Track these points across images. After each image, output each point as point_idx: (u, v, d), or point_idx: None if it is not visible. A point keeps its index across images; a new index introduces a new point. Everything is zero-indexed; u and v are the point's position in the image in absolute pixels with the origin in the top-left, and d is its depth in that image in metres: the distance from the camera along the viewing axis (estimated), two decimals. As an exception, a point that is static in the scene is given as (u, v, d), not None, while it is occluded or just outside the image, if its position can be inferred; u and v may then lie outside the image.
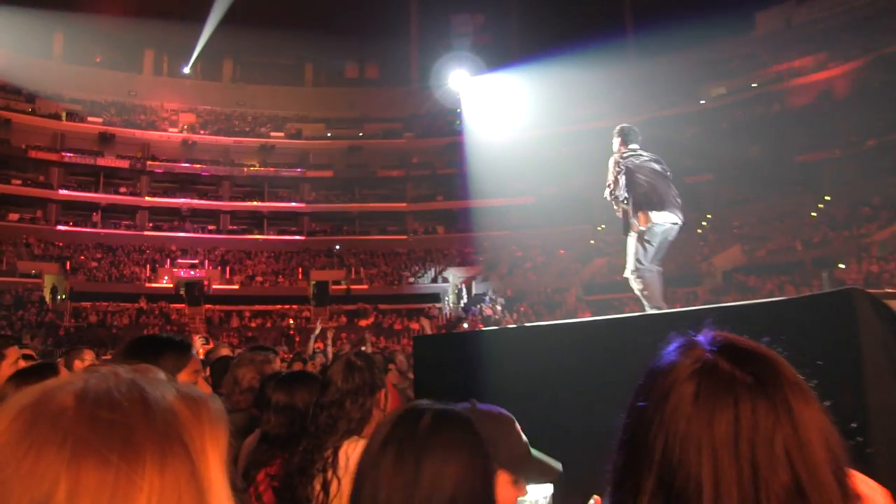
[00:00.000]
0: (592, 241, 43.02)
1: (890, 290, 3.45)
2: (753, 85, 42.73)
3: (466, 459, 1.43)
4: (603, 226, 43.39)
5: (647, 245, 6.46)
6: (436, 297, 41.13)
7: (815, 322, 3.10)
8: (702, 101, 43.84)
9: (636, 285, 6.55)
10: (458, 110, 47.44)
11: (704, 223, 38.34)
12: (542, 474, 2.00)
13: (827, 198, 37.69)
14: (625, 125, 6.99)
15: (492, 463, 1.49)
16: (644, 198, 6.48)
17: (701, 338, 1.20)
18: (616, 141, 6.95)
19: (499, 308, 36.96)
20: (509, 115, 44.45)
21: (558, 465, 2.03)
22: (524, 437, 2.00)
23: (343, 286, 42.19)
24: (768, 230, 37.10)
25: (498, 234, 45.08)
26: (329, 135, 50.04)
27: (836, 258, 30.67)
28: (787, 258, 33.16)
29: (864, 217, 34.06)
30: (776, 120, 40.66)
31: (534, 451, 2.00)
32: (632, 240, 6.62)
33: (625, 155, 6.74)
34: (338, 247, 46.46)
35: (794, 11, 42.94)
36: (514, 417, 2.01)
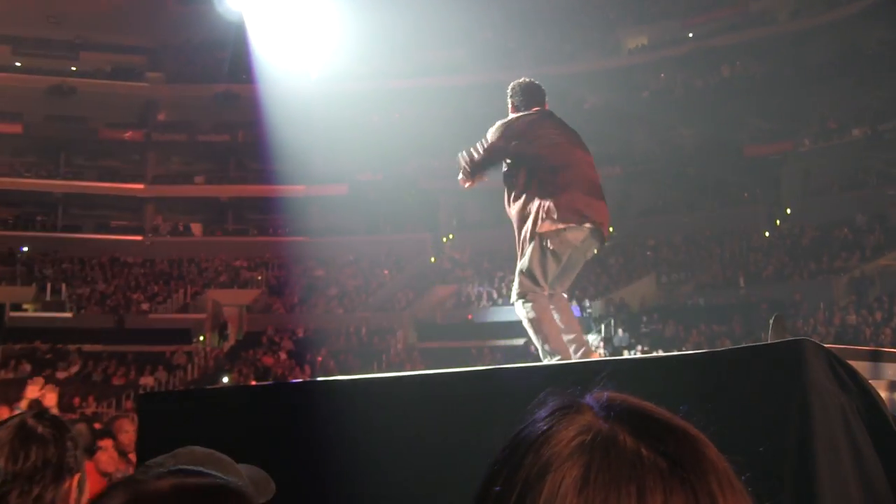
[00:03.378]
0: (434, 259, 43.67)
1: (860, 347, 3.66)
2: (690, 35, 44.47)
3: None
4: (451, 235, 44.08)
5: (550, 256, 6.45)
6: (185, 336, 40.32)
7: (749, 385, 3.31)
8: (613, 57, 45.33)
9: (523, 312, 6.57)
10: (238, 43, 46.83)
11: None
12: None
13: (788, 211, 39.68)
14: (524, 80, 7.09)
15: None
16: (548, 188, 6.44)
17: (590, 399, 1.22)
18: (508, 106, 7.01)
19: (284, 355, 36.74)
20: (316, 56, 44.41)
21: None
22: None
23: (39, 313, 40.67)
24: (699, 255, 38.76)
25: (288, 241, 44.85)
26: (18, 64, 48.30)
27: (797, 301, 32.19)
28: (725, 298, 34.78)
29: (841, 242, 35.92)
30: (721, 91, 42.45)
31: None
32: (529, 245, 6.55)
33: (512, 121, 6.77)
34: (25, 248, 44.73)
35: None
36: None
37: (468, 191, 7.10)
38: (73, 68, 49.09)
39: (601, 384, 1.26)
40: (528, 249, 6.47)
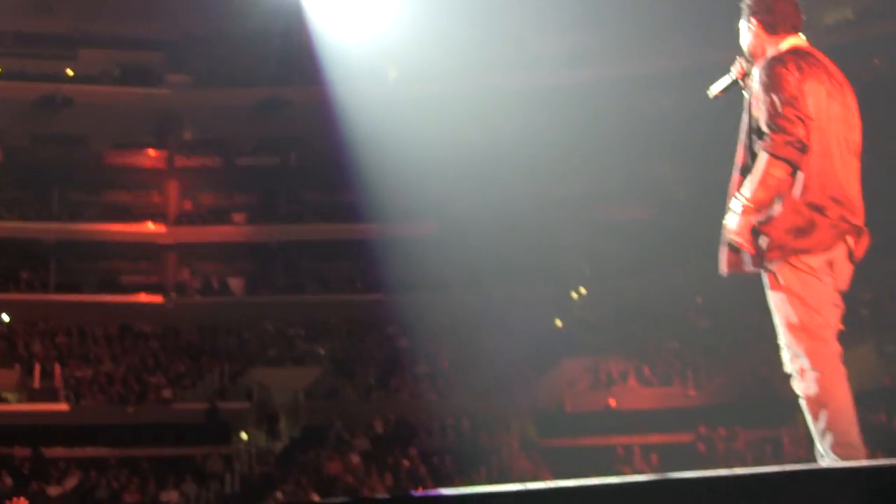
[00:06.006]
0: (561, 323, 43.59)
1: None
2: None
3: None
4: (583, 288, 43.98)
5: (814, 297, 6.11)
6: (221, 433, 40.64)
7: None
8: (802, 36, 45.05)
9: (801, 389, 6.16)
10: (289, 32, 47.35)
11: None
12: None
13: None
14: None
15: None
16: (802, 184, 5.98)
17: None
18: (747, 33, 6.60)
19: (356, 458, 36.84)
20: (395, 48, 44.74)
21: None
22: None
23: (24, 405, 41.18)
24: (879, 294, 38.21)
25: (360, 300, 45.20)
26: (-6, 70, 49.23)
27: None
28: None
29: None
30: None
31: None
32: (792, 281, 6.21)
33: (774, 65, 6.16)
34: (5, 317, 45.40)
35: None
36: None
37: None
38: (69, 72, 49.90)
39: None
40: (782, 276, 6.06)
